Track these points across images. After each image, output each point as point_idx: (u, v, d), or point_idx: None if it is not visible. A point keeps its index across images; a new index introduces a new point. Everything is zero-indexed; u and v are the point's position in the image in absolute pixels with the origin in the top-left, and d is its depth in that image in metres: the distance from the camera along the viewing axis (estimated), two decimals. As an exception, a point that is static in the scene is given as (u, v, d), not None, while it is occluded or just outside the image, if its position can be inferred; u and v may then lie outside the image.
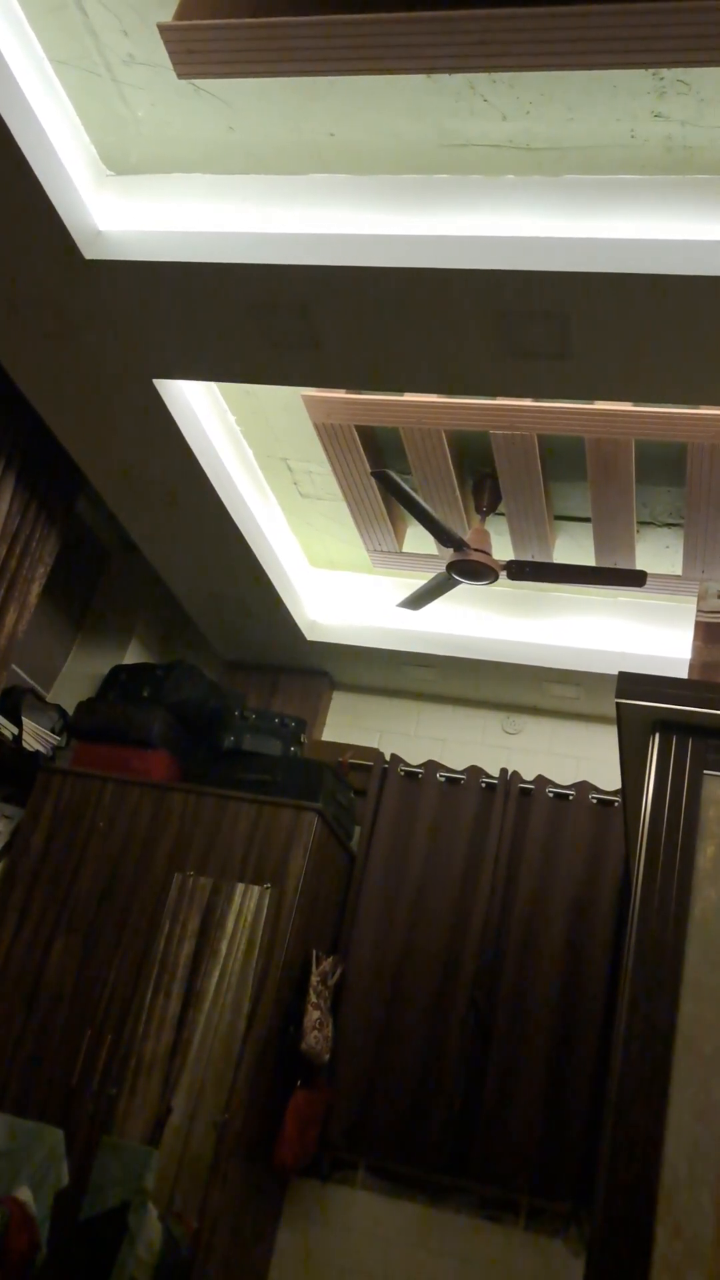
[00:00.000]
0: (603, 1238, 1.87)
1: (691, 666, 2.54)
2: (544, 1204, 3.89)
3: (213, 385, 3.59)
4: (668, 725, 2.28)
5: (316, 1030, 3.78)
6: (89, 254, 2.79)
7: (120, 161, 2.88)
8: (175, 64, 2.39)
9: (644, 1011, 2.01)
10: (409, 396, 3.41)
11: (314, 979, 3.87)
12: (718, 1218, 1.83)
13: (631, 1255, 1.84)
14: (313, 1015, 3.78)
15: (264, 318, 2.86)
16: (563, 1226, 3.88)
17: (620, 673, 2.32)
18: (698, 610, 2.64)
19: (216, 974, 3.73)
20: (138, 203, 2.85)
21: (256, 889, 3.84)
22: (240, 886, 3.85)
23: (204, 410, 3.57)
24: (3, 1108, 3.53)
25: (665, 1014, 1.99)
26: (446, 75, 2.43)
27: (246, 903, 3.82)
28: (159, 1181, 3.44)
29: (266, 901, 3.81)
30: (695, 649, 2.58)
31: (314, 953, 3.95)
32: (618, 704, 2.31)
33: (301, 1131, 3.75)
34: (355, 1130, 4.01)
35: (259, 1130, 3.68)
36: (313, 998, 3.82)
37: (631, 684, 2.31)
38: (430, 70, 2.37)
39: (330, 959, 4.05)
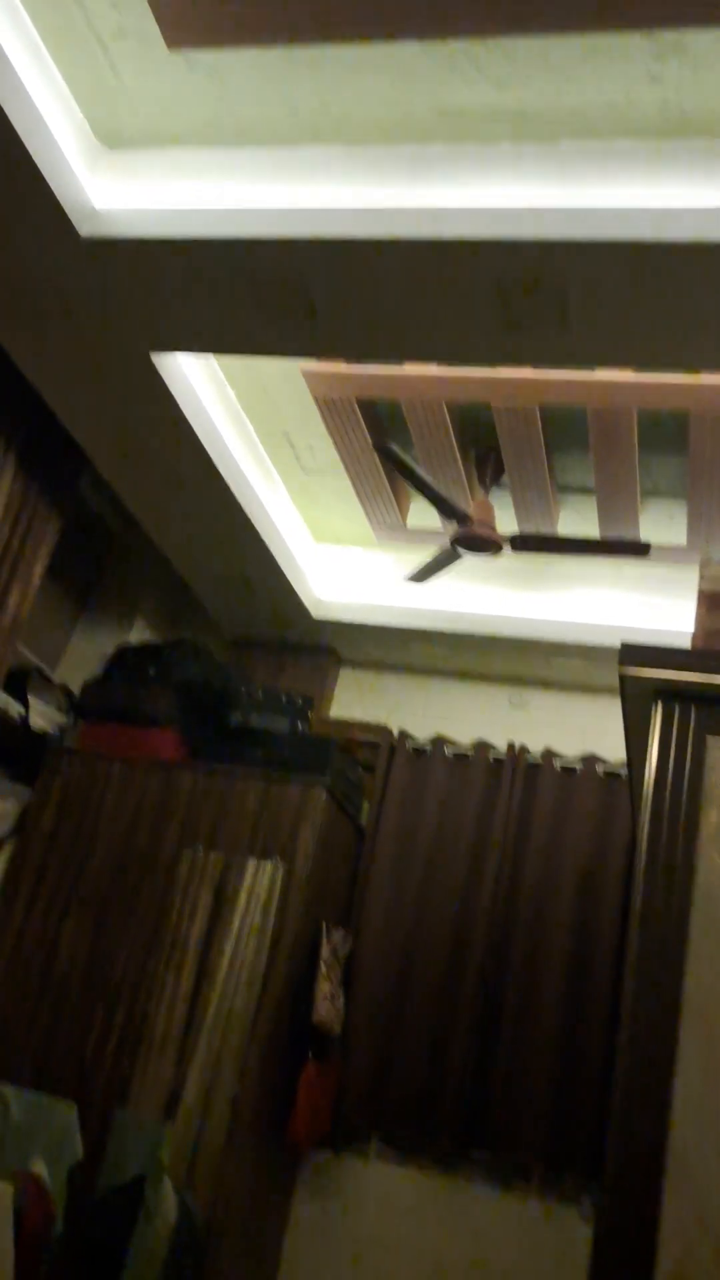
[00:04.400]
0: (612, 1201, 1.88)
1: (694, 636, 2.53)
2: (557, 1173, 3.92)
3: (212, 361, 3.58)
4: (670, 694, 2.28)
5: (328, 1002, 3.81)
6: (85, 232, 2.78)
7: (114, 137, 2.86)
8: (165, 35, 2.37)
9: (650, 977, 2.01)
10: (409, 369, 3.39)
11: (325, 952, 3.89)
12: (725, 1181, 1.84)
13: (640, 1218, 1.85)
14: (324, 988, 3.81)
15: (261, 291, 2.85)
16: (576, 1194, 3.91)
17: (623, 643, 2.32)
18: (700, 579, 2.64)
19: (230, 949, 3.74)
20: (132, 179, 2.83)
21: (269, 864, 3.85)
22: (252, 862, 3.87)
23: (204, 386, 3.56)
24: (18, 1082, 3.57)
25: (671, 979, 2.00)
26: (439, 42, 2.41)
27: (259, 879, 3.84)
28: (175, 1155, 3.47)
29: (279, 877, 3.82)
30: (698, 618, 2.58)
31: (324, 926, 3.97)
32: (621, 674, 2.31)
33: (314, 1104, 3.78)
34: (368, 1102, 4.04)
35: (272, 1103, 3.71)
36: (324, 970, 3.84)
37: (634, 654, 2.31)
38: (422, 37, 2.34)
39: (341, 932, 4.08)
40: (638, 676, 2.31)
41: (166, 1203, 3.35)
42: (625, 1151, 1.90)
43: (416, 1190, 4.03)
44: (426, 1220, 3.98)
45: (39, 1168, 2.79)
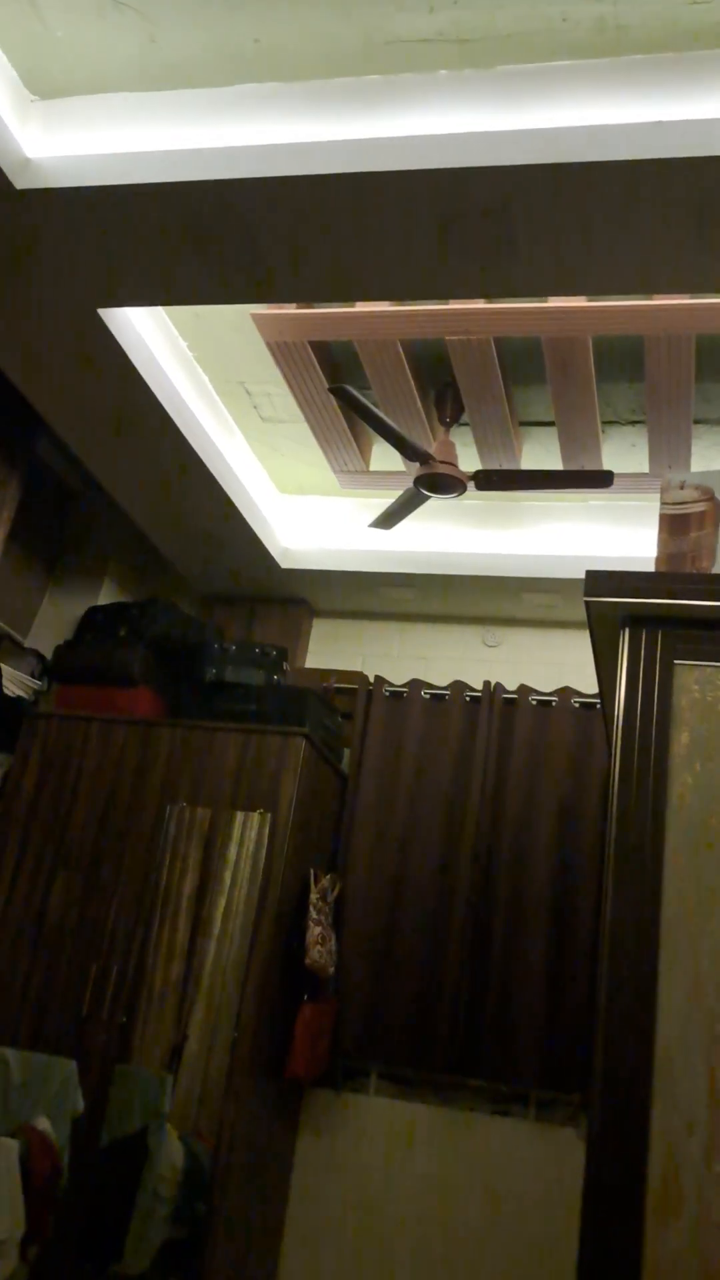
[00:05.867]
0: (603, 1115, 1.92)
1: (658, 560, 2.54)
2: (552, 1095, 4.02)
3: (160, 312, 3.53)
4: (637, 619, 2.29)
5: (319, 945, 3.86)
6: (19, 183, 2.72)
7: (44, 85, 2.79)
8: (88, -25, 2.31)
9: (629, 897, 2.04)
10: (360, 307, 3.36)
11: (314, 896, 3.94)
12: (711, 1088, 1.88)
13: (631, 1129, 1.89)
14: (315, 931, 3.86)
15: (204, 236, 2.80)
16: (571, 1115, 4.00)
17: (588, 571, 2.32)
18: (661, 503, 2.64)
19: (223, 902, 3.79)
20: (65, 127, 2.77)
21: (256, 816, 3.88)
22: (240, 815, 3.90)
23: (154, 339, 3.51)
24: (15, 1043, 3.61)
25: (650, 898, 2.03)
26: (368, -32, 2.36)
27: (248, 831, 3.87)
28: (180, 1104, 3.53)
29: (266, 827, 3.85)
30: (660, 542, 2.58)
31: (312, 871, 4.02)
32: (587, 603, 2.31)
33: (311, 1043, 3.85)
34: (365, 1038, 4.11)
35: (271, 1045, 3.78)
36: (313, 914, 3.89)
37: (599, 581, 2.31)
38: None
39: (329, 876, 4.12)
40: (603, 604, 2.31)
41: (172, 1149, 3.42)
42: (614, 1063, 1.94)
43: (417, 1120, 4.12)
44: (428, 1148, 4.08)
45: (42, 1122, 2.84)
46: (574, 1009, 3.98)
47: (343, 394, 3.39)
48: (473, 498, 4.39)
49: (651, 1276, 1.73)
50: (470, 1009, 4.08)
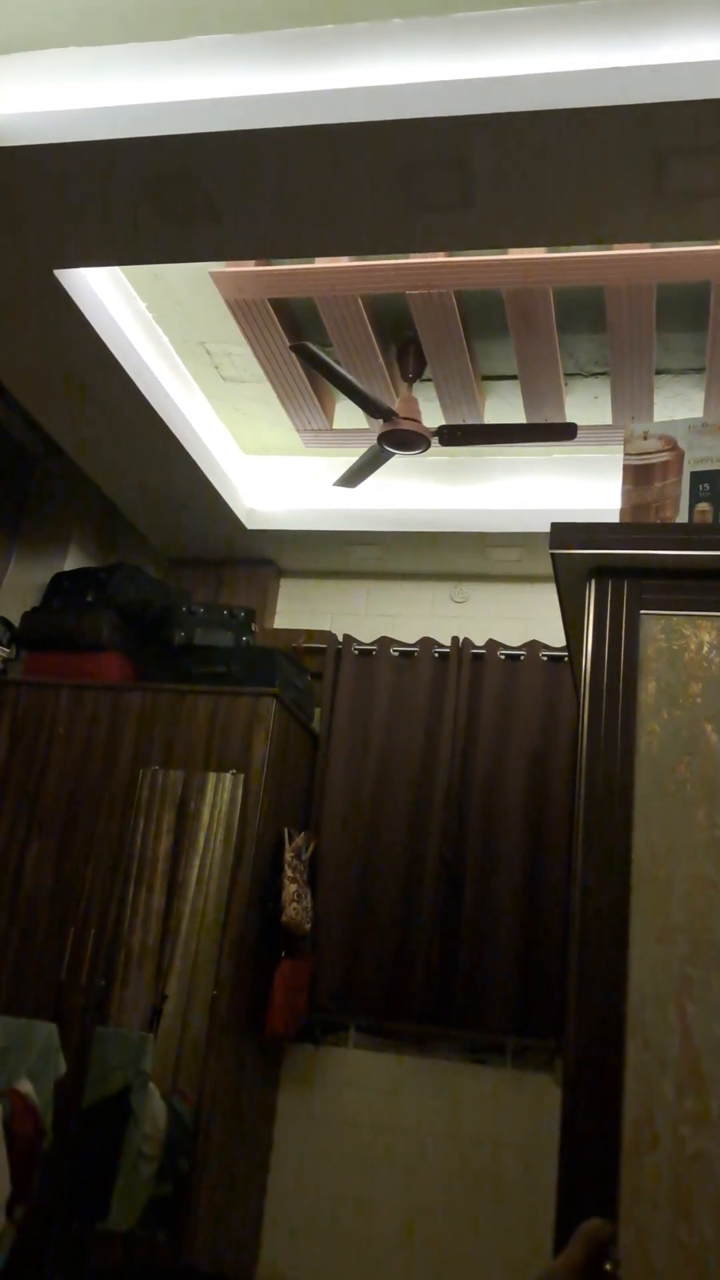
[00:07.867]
0: (577, 1058, 1.96)
1: (622, 511, 2.55)
2: (528, 1042, 4.09)
3: (118, 272, 3.48)
4: (602, 570, 2.30)
5: (295, 903, 3.89)
6: (-32, 142, 2.66)
7: (-11, 39, 2.72)
8: None
9: (600, 844, 2.07)
10: (320, 263, 3.32)
11: (288, 855, 3.97)
12: (682, 1028, 1.92)
13: (605, 1070, 1.93)
14: (290, 889, 3.89)
15: (159, 193, 2.76)
16: (547, 1060, 4.08)
17: (553, 524, 2.32)
18: (625, 454, 2.64)
19: (197, 864, 3.80)
20: (13, 83, 2.71)
21: (229, 777, 3.90)
22: (212, 776, 3.91)
23: (112, 299, 3.46)
24: (-5, 1010, 3.63)
25: (620, 845, 2.06)
26: None
27: (220, 792, 3.88)
28: (160, 1064, 3.56)
29: (239, 788, 3.87)
30: (625, 493, 2.59)
31: (286, 831, 4.04)
32: (553, 555, 2.31)
33: (289, 999, 3.89)
34: (342, 993, 4.16)
35: (250, 1003, 3.81)
36: (289, 873, 3.92)
37: (564, 534, 2.31)
38: None
39: (302, 835, 4.15)
40: (569, 556, 2.32)
41: (154, 1108, 3.45)
42: (587, 1008, 1.97)
43: (396, 1071, 4.19)
44: (407, 1098, 4.15)
45: (24, 1085, 2.86)
46: (547, 957, 4.05)
47: (304, 351, 3.36)
48: (437, 453, 4.37)
49: (628, 1212, 1.78)
50: (445, 960, 4.14)
